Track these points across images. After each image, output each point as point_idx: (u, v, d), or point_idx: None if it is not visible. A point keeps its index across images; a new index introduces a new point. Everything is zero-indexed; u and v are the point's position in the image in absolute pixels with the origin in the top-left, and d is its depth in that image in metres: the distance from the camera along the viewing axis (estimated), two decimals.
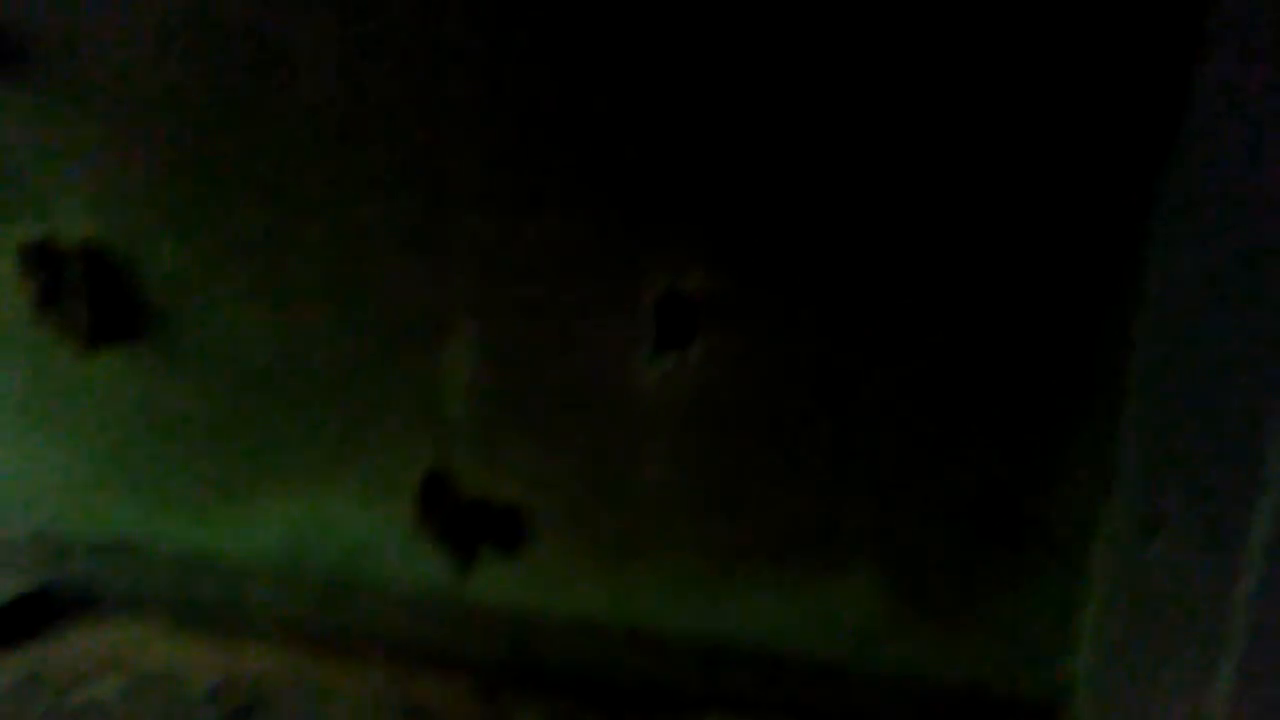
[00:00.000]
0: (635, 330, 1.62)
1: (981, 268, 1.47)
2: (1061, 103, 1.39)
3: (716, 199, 1.54)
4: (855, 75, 1.44)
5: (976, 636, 1.62)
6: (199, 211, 1.71)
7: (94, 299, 1.76)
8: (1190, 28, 1.31)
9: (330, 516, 1.80)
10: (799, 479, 1.61)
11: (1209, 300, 1.18)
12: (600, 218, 1.59)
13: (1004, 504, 1.56)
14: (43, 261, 1.77)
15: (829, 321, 1.54)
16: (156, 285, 1.76)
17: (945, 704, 1.65)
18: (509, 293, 1.66)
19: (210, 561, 1.86)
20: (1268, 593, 0.85)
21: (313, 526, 1.81)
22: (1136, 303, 1.43)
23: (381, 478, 1.76)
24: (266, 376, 1.76)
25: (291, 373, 1.75)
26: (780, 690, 1.70)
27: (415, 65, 1.61)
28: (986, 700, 1.64)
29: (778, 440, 1.61)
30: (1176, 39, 1.32)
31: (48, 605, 1.91)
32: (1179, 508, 1.18)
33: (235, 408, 1.78)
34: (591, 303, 1.63)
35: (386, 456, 1.75)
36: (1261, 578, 0.89)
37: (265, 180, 1.69)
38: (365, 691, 1.75)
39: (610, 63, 1.54)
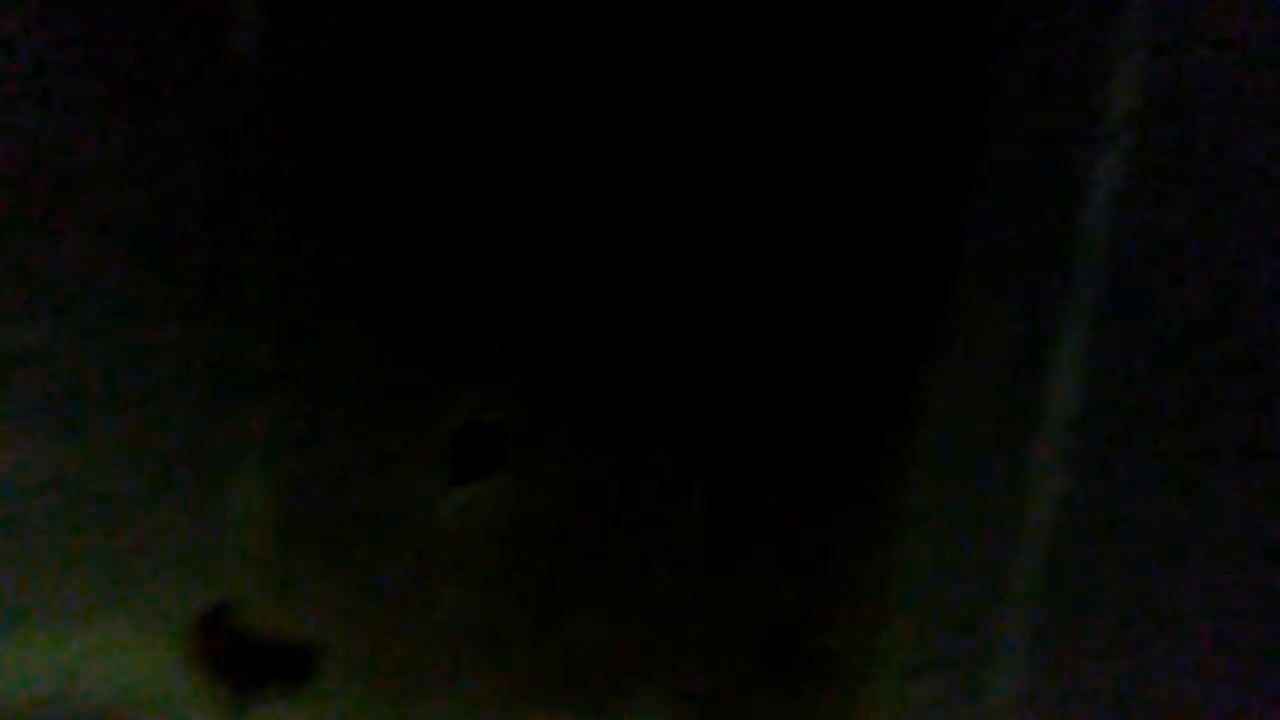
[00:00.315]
0: (435, 461, 1.61)
1: (764, 410, 1.52)
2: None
3: (515, 337, 1.56)
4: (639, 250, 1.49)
5: None
6: None
7: None
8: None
9: (104, 655, 1.70)
10: (593, 608, 1.62)
11: (977, 436, 1.24)
12: (401, 350, 1.58)
13: (787, 634, 1.59)
14: None
15: (624, 455, 1.56)
16: None
17: None
18: (305, 421, 1.63)
19: None
20: None
21: (85, 666, 1.70)
22: (912, 430, 1.50)
23: (161, 613, 1.68)
24: (40, 503, 1.67)
25: (69, 500, 1.66)
26: None
27: (214, 180, 1.59)
28: None
29: (573, 570, 1.62)
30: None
31: None
32: (946, 651, 1.23)
33: (3, 542, 1.68)
34: (391, 433, 1.61)
35: (168, 591, 1.68)
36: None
37: (49, 296, 1.63)
38: None
39: (408, 221, 1.55)
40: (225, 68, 1.58)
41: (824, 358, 1.47)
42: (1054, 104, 0.99)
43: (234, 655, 1.69)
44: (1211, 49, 0.69)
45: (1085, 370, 0.84)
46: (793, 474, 1.52)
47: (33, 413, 1.65)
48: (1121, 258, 0.76)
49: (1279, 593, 0.55)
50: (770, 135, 1.42)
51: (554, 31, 1.46)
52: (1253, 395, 0.63)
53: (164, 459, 1.66)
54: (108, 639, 1.70)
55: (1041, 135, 0.99)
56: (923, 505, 1.49)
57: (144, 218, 1.61)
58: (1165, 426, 0.76)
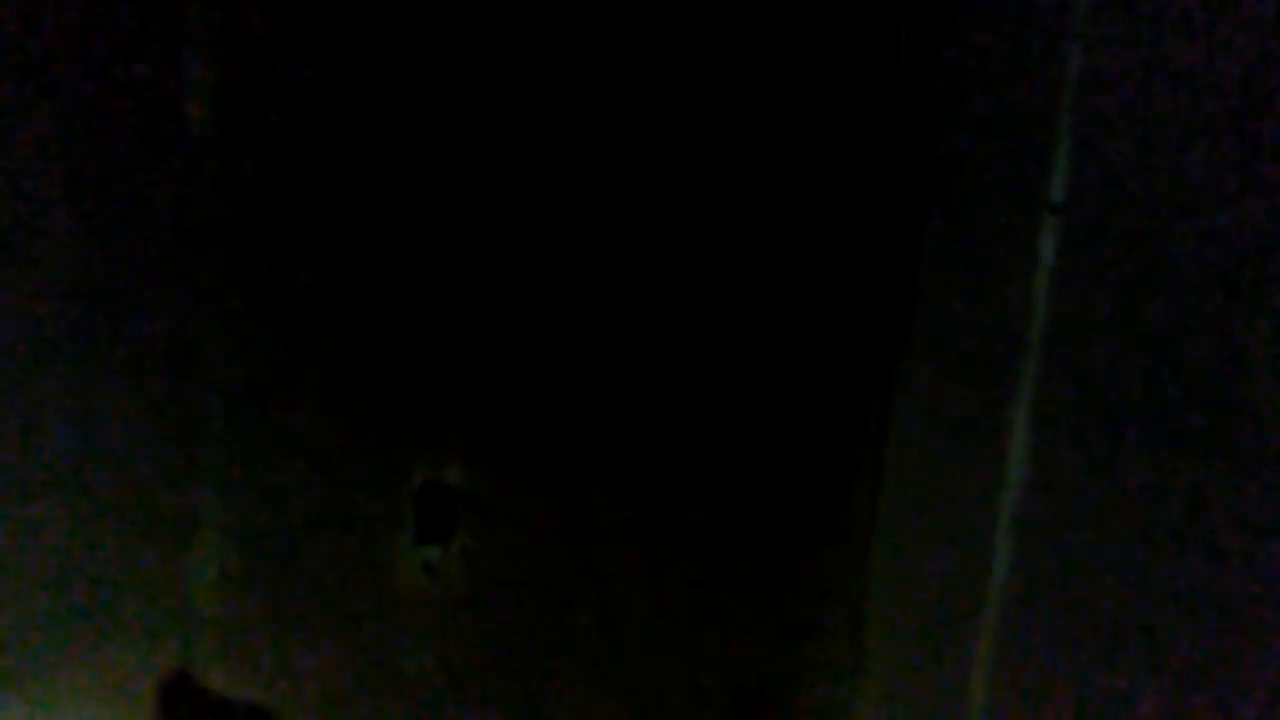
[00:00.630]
0: (396, 522, 1.60)
1: (728, 462, 1.52)
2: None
3: (472, 398, 1.55)
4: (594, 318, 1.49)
5: None
6: None
7: None
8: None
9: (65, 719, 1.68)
10: (561, 667, 1.61)
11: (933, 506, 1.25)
12: (359, 411, 1.57)
13: (762, 687, 1.58)
14: None
15: (586, 511, 1.55)
16: None
17: None
18: (263, 484, 1.62)
19: None
20: None
21: None
22: (878, 482, 1.50)
23: (123, 679, 1.67)
24: None
25: (24, 566, 1.65)
26: None
27: (165, 241, 1.59)
28: None
29: (539, 628, 1.61)
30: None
31: None
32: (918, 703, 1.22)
33: None
34: (351, 495, 1.60)
35: (130, 656, 1.66)
36: None
37: (6, 360, 1.62)
38: None
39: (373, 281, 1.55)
40: (182, 137, 1.59)
41: (788, 412, 1.47)
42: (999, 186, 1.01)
43: None
44: (1135, 145, 0.70)
45: (1033, 439, 0.85)
46: (760, 525, 1.52)
47: None
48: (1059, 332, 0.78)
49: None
50: (733, 233, 1.43)
51: (503, 113, 1.47)
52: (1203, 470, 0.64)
53: (124, 523, 1.65)
54: (69, 705, 1.68)
55: (983, 215, 1.00)
56: (889, 558, 1.49)
57: (103, 284, 1.61)
58: (1114, 501, 0.76)
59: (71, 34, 1.57)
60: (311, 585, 1.63)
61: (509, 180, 1.48)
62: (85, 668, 1.68)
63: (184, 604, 1.67)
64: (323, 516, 1.61)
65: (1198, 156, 0.64)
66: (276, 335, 1.59)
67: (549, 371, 1.52)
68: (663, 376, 1.49)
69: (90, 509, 1.65)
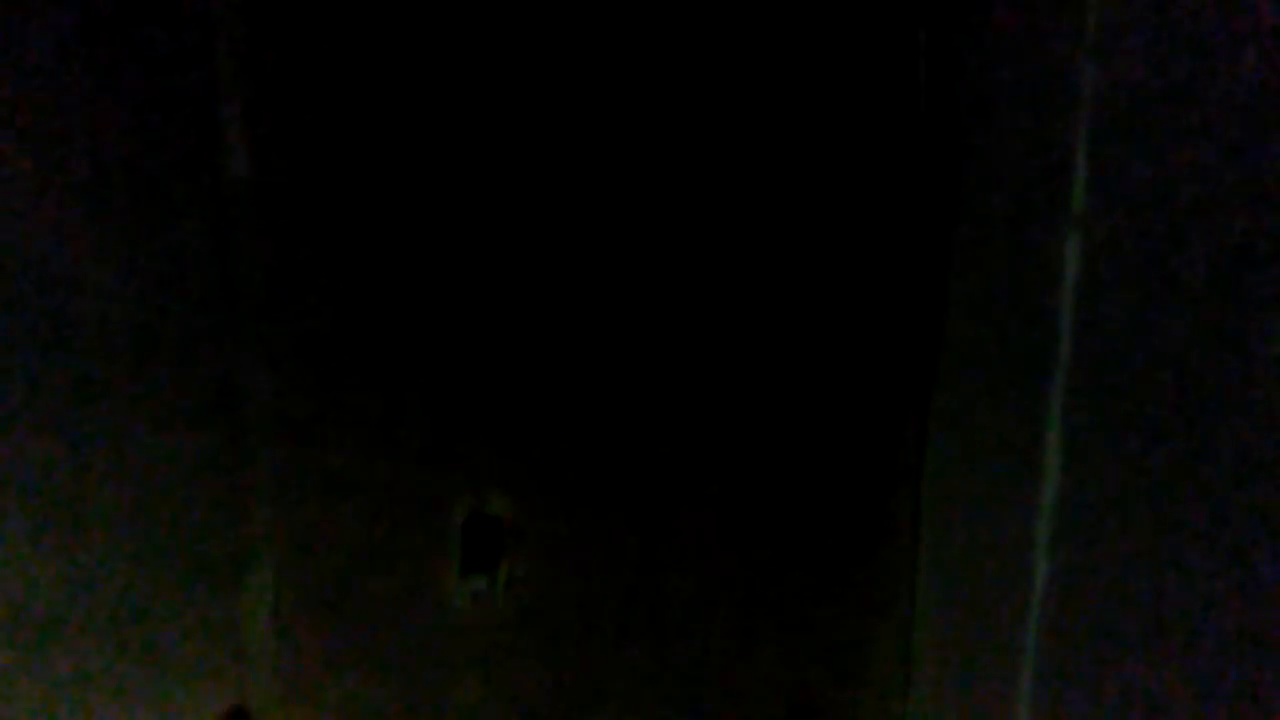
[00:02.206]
0: (443, 554, 1.62)
1: (772, 478, 1.52)
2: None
3: (513, 429, 1.57)
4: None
5: None
6: None
7: None
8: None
9: None
10: (613, 690, 1.61)
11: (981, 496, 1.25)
12: (402, 446, 1.59)
13: (811, 703, 1.58)
14: None
15: (633, 534, 1.56)
16: None
17: None
18: (311, 522, 1.64)
19: None
20: None
21: None
22: (917, 494, 1.50)
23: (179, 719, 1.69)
24: (53, 618, 1.68)
25: (81, 613, 1.67)
26: None
27: (206, 284, 1.61)
28: None
29: (588, 658, 1.61)
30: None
31: None
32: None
33: (17, 654, 1.69)
34: (398, 529, 1.62)
35: (186, 697, 1.68)
36: None
37: (53, 409, 1.65)
38: None
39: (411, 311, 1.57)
40: (223, 188, 1.62)
41: (831, 432, 1.48)
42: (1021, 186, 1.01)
43: None
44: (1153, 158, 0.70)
45: (1065, 452, 0.86)
46: (807, 543, 1.52)
47: (43, 525, 1.66)
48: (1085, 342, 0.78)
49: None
50: (762, 263, 1.44)
51: (538, 148, 1.49)
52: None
53: (176, 566, 1.67)
54: None
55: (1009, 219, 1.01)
56: (932, 573, 1.49)
57: (147, 331, 1.63)
58: (1146, 511, 0.77)
59: (106, 81, 1.59)
60: (363, 621, 1.65)
61: (549, 212, 1.50)
62: (144, 711, 1.70)
63: (239, 644, 1.68)
64: (371, 553, 1.63)
65: (1213, 165, 0.65)
66: (319, 375, 1.61)
67: (591, 399, 1.53)
68: (706, 400, 1.50)
69: (143, 554, 1.67)
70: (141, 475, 1.65)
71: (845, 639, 1.55)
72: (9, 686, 1.69)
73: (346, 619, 1.65)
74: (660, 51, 1.43)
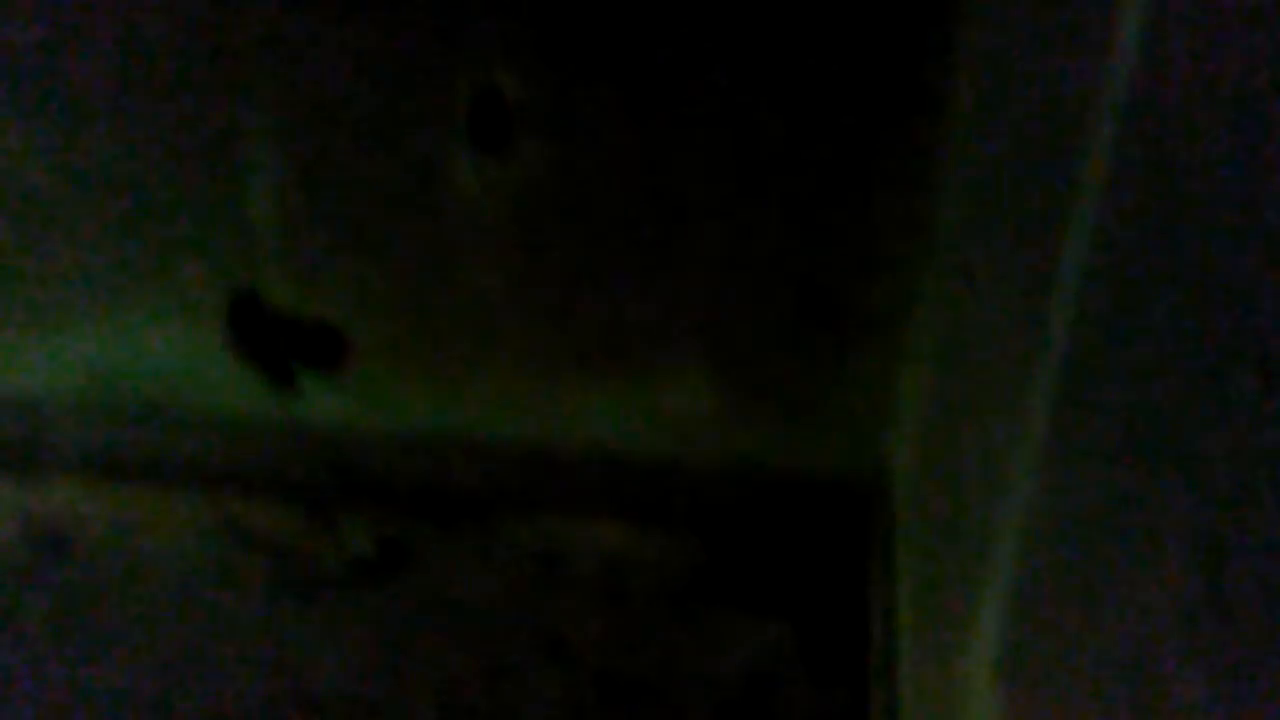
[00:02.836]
0: (452, 136, 1.56)
1: (795, 65, 1.45)
2: None
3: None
4: None
5: (802, 422, 1.66)
6: None
7: None
8: None
9: (137, 343, 1.71)
10: (627, 282, 1.60)
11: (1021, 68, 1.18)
12: (408, 18, 1.50)
13: (826, 287, 1.58)
14: None
15: (649, 119, 1.51)
16: None
17: (772, 491, 1.70)
18: (314, 98, 1.56)
19: (7, 400, 1.76)
20: (1071, 367, 0.87)
21: (119, 354, 1.72)
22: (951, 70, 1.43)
23: (189, 299, 1.68)
24: (52, 202, 1.64)
25: (79, 198, 1.63)
26: (612, 489, 1.72)
27: None
28: (812, 484, 1.69)
29: (604, 244, 1.59)
30: None
31: None
32: (988, 265, 1.20)
33: (19, 237, 1.66)
34: (403, 107, 1.55)
35: (193, 277, 1.66)
36: (1064, 354, 0.90)
37: None
38: (187, 519, 1.70)
39: None
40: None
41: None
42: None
43: (266, 339, 1.70)
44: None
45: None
46: (826, 117, 1.46)
47: (41, 105, 1.60)
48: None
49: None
50: None
51: None
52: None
53: (175, 145, 1.61)
54: (137, 329, 1.70)
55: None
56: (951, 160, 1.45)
57: None
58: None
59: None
60: (368, 203, 1.61)
61: None
62: (152, 291, 1.68)
63: (246, 228, 1.65)
64: (376, 133, 1.57)
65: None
66: None
67: None
68: None
69: (135, 134, 1.61)
70: (131, 52, 1.56)
71: (867, 214, 1.52)
72: (10, 267, 1.67)
73: (351, 201, 1.62)
74: None
